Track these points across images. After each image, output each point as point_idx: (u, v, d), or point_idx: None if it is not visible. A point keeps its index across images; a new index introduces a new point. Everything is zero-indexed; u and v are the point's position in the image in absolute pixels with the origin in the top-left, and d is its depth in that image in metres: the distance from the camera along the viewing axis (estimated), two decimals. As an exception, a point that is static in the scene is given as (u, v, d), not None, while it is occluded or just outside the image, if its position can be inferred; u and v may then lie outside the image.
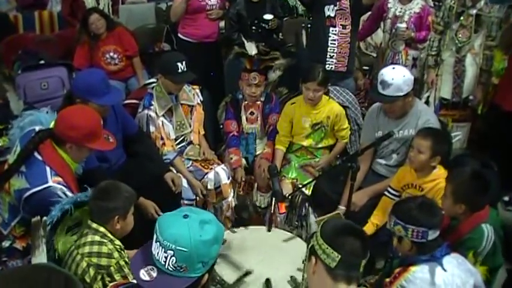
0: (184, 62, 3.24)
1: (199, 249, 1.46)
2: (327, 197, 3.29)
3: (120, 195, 2.29)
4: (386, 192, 3.05)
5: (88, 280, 2.15)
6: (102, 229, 2.24)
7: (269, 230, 2.93)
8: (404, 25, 4.19)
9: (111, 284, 1.83)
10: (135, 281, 1.55)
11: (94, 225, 2.25)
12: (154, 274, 1.49)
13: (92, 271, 2.16)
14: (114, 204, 2.26)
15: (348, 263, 1.68)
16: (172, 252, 1.45)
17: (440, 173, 2.80)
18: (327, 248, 1.67)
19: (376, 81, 3.16)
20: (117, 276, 2.18)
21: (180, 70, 3.23)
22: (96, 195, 2.30)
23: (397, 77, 3.00)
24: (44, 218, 2.22)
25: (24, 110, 4.01)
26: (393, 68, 3.09)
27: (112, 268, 2.18)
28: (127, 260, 2.25)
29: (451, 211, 2.41)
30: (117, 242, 2.27)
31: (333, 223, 1.79)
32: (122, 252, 2.25)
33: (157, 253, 1.48)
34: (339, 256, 1.66)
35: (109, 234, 2.25)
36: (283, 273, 2.50)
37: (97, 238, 2.22)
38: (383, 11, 4.35)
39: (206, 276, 1.54)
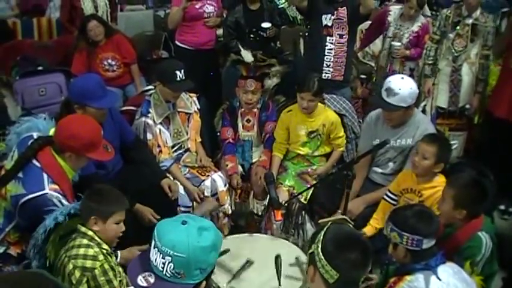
0: (182, 71, 3.23)
1: (197, 255, 1.47)
2: (323, 205, 3.29)
3: (104, 199, 2.30)
4: (385, 196, 3.05)
5: (74, 282, 2.15)
6: (90, 233, 2.25)
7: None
8: (399, 44, 4.23)
9: None
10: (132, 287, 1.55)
11: (83, 229, 2.26)
12: (152, 280, 1.49)
13: (77, 273, 2.16)
14: (94, 205, 2.27)
15: (347, 281, 1.67)
16: (170, 258, 1.46)
17: (440, 181, 2.80)
18: (326, 265, 1.66)
19: (379, 88, 3.15)
20: (101, 280, 2.18)
21: (178, 78, 3.23)
22: (85, 194, 2.32)
23: (404, 87, 3.00)
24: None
25: (21, 115, 4.01)
26: (402, 78, 3.10)
27: (96, 271, 2.18)
28: (113, 265, 2.26)
29: (449, 216, 2.40)
30: (105, 246, 2.27)
31: (336, 235, 1.73)
32: (108, 256, 2.26)
33: (155, 259, 1.48)
34: (338, 275, 1.64)
35: (97, 238, 2.26)
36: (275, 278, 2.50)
37: (84, 241, 2.23)
38: (384, 21, 4.38)
39: (203, 283, 1.54)
